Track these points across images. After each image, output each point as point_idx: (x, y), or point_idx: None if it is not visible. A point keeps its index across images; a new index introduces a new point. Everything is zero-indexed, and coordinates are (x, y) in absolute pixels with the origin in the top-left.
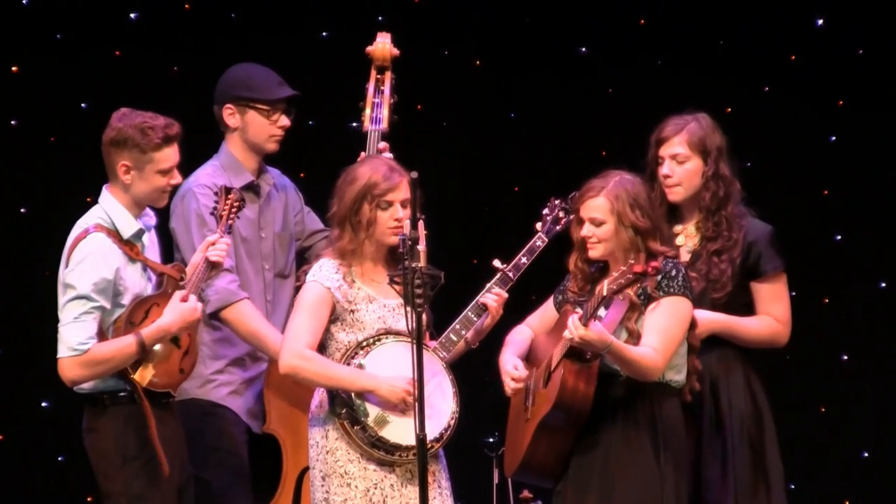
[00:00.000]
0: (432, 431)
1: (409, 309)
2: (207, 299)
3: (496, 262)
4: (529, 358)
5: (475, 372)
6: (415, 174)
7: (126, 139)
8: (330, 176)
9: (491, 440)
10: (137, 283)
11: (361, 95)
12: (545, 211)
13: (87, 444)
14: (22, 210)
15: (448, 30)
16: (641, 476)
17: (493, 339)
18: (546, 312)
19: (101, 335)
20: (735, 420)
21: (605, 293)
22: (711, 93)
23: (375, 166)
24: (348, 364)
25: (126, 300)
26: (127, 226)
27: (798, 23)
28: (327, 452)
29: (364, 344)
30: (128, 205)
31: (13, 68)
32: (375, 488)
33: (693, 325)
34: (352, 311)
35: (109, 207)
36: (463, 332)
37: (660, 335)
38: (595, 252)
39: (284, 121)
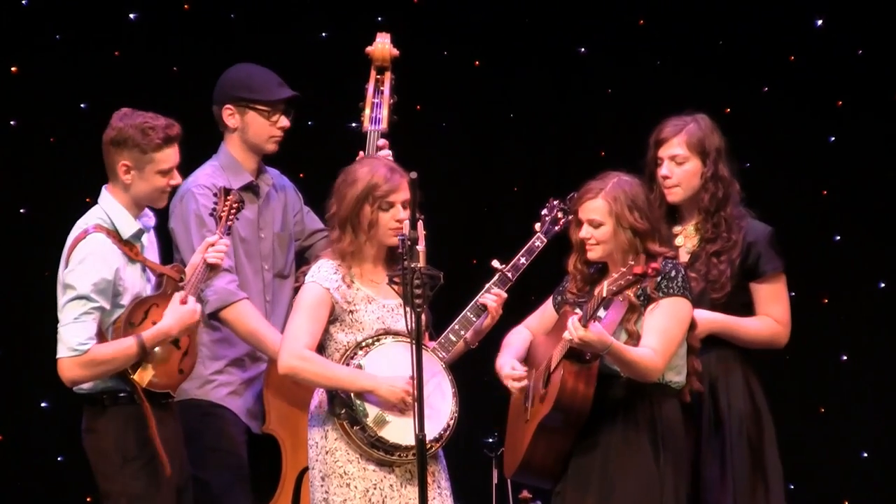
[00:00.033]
0: (431, 432)
1: (408, 309)
2: (206, 299)
3: (495, 263)
4: (528, 359)
5: (475, 372)
6: (414, 174)
7: (127, 139)
8: (329, 176)
9: (490, 440)
10: (137, 283)
11: (361, 96)
12: (544, 211)
13: (86, 445)
14: (21, 210)
15: (448, 30)
16: (641, 477)
17: (492, 340)
18: (545, 313)
19: (101, 335)
20: (734, 420)
21: (604, 294)
22: (711, 93)
23: (375, 167)
24: (347, 364)
25: (125, 300)
26: (126, 226)
27: (797, 23)
28: (326, 453)
29: (363, 344)
30: (127, 205)
31: (13, 69)
32: (375, 489)
33: (693, 325)
34: (351, 311)
35: (109, 207)
36: (462, 333)
37: (659, 336)
38: (594, 253)
39: (284, 122)
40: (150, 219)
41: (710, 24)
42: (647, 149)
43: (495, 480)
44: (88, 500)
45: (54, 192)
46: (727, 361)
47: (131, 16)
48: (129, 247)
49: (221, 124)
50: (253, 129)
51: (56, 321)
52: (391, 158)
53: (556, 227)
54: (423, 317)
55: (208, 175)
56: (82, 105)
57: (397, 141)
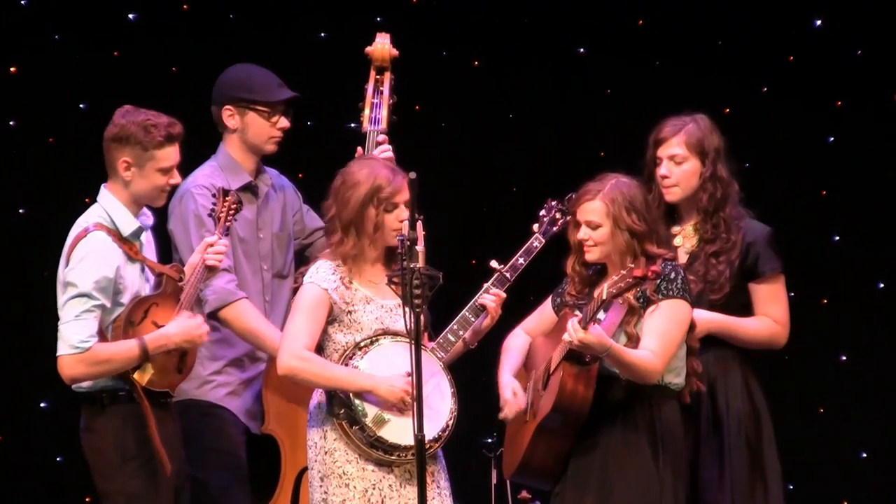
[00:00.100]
0: (431, 432)
1: (407, 309)
2: (206, 299)
3: (493, 263)
4: (527, 361)
5: (474, 372)
6: (413, 175)
7: (129, 136)
8: (329, 177)
9: (489, 441)
10: (136, 282)
11: (360, 96)
12: (542, 212)
13: (84, 444)
14: (20, 210)
15: (447, 30)
16: (640, 478)
17: (491, 340)
18: (542, 315)
19: (101, 334)
20: (732, 420)
21: (604, 297)
22: (710, 93)
23: (375, 169)
24: (346, 365)
25: (125, 299)
26: (126, 223)
27: (796, 23)
28: (326, 453)
29: (362, 344)
30: (127, 203)
31: (11, 69)
32: (374, 489)
33: (692, 327)
34: (349, 312)
35: (109, 205)
36: (461, 333)
37: (658, 338)
38: (592, 255)
39: (284, 122)
40: (148, 218)
41: (710, 25)
42: (645, 148)
43: (494, 481)
44: (88, 500)
45: (53, 192)
46: (726, 361)
47: (130, 16)
48: (128, 245)
49: (221, 125)
50: (253, 129)
51: (56, 321)
52: (392, 156)
53: (554, 228)
54: (422, 317)
55: (207, 175)
56: (81, 105)
57: (396, 141)
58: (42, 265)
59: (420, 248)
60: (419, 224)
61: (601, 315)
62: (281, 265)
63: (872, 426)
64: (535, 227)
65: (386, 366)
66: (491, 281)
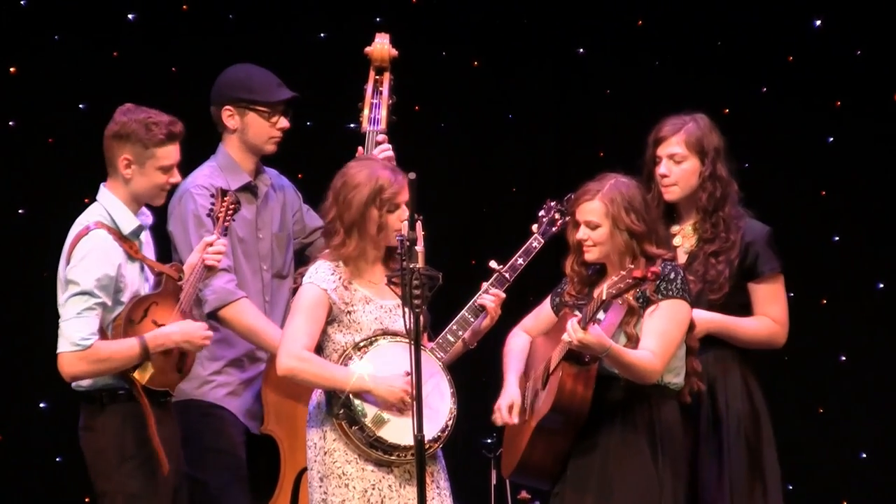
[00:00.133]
0: (430, 432)
1: (406, 310)
2: (205, 299)
3: (493, 263)
4: (527, 363)
5: (474, 373)
6: (413, 175)
7: (130, 133)
8: (328, 177)
9: (489, 441)
10: (136, 281)
11: (360, 96)
12: (541, 213)
13: (83, 443)
14: (20, 211)
15: (446, 31)
16: (640, 479)
17: (491, 340)
18: (541, 314)
19: (101, 332)
20: (732, 420)
21: (604, 297)
22: (709, 94)
23: (376, 170)
24: (345, 365)
25: (126, 298)
26: (127, 222)
27: (796, 24)
28: (325, 453)
29: (361, 345)
30: (127, 201)
31: (11, 69)
32: (373, 489)
33: (691, 327)
34: (348, 312)
35: (109, 204)
36: (460, 333)
37: (658, 338)
38: (591, 255)
39: (284, 123)
40: (147, 217)
41: (709, 25)
42: (645, 148)
43: (494, 481)
44: (87, 500)
45: (53, 192)
46: (725, 362)
47: (130, 16)
48: (128, 244)
49: (220, 125)
50: (253, 130)
51: (54, 322)
52: (392, 155)
53: (553, 229)
54: (421, 317)
55: (206, 176)
56: (81, 105)
57: (396, 141)
58: (42, 265)
59: (420, 248)
60: (419, 224)
61: (600, 315)
62: (280, 265)
63: (872, 426)
64: (534, 227)
65: (385, 366)
66: (490, 281)
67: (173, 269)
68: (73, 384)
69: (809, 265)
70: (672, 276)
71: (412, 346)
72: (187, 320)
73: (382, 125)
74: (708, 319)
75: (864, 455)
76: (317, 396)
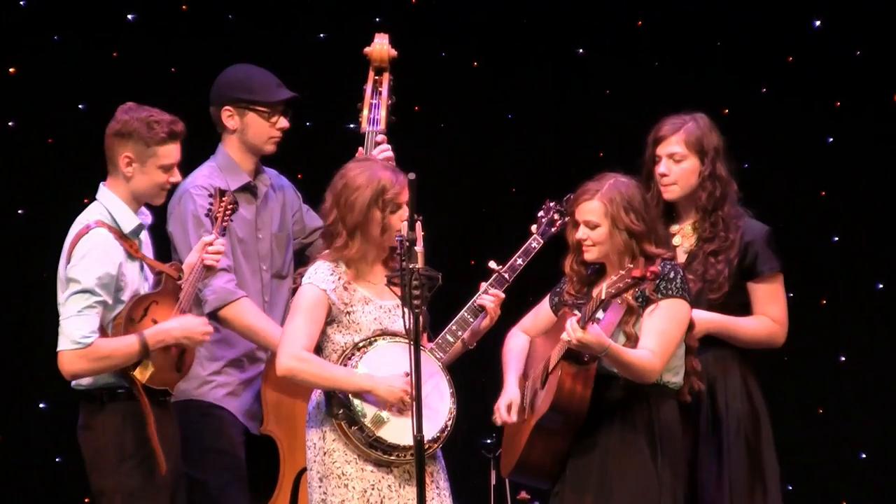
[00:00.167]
0: (430, 432)
1: (406, 310)
2: (205, 299)
3: (492, 264)
4: (526, 362)
5: (473, 373)
6: (412, 175)
7: (131, 131)
8: (328, 177)
9: (489, 441)
10: (136, 280)
11: (359, 96)
12: (540, 213)
13: (81, 442)
14: (20, 211)
15: (446, 31)
16: (639, 478)
17: (490, 341)
18: (539, 314)
19: (102, 331)
20: (731, 420)
21: (603, 296)
22: (709, 94)
23: (377, 171)
24: (345, 365)
25: (126, 296)
26: (127, 221)
27: (795, 24)
28: (325, 453)
29: (360, 345)
30: (127, 200)
31: (11, 70)
32: (373, 489)
33: (691, 326)
34: (348, 312)
35: (109, 202)
36: (459, 333)
37: (658, 338)
38: (590, 255)
39: (284, 123)
40: (147, 217)
41: (709, 25)
42: (644, 147)
43: (493, 481)
44: (87, 501)
45: (52, 192)
46: (725, 362)
47: (129, 16)
48: (129, 243)
49: (220, 125)
50: (252, 130)
51: (55, 321)
52: (391, 156)
53: (553, 229)
54: (420, 318)
55: (206, 176)
56: (80, 106)
57: (396, 142)
58: (41, 266)
59: (419, 248)
60: (418, 225)
61: (600, 314)
62: (280, 265)
63: (871, 427)
64: (534, 228)
65: (385, 366)
66: (489, 282)
67: (173, 268)
68: (73, 383)
69: (809, 265)
70: (671, 275)
71: (412, 347)
72: (187, 316)
73: (382, 125)
74: (707, 319)
75: (864, 455)
76: (316, 397)
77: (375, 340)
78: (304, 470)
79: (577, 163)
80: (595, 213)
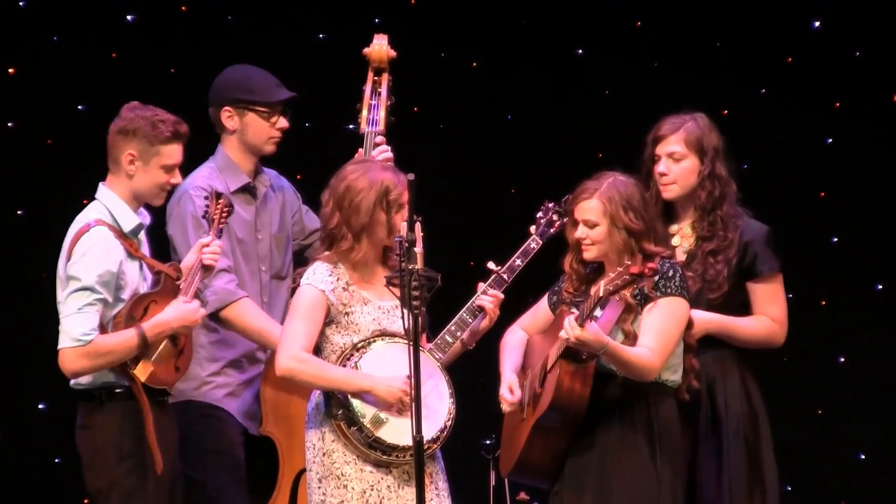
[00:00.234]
0: (429, 432)
1: (405, 311)
2: (206, 300)
3: (490, 265)
4: (524, 360)
5: (472, 374)
6: (411, 176)
7: (136, 129)
8: (327, 178)
9: (488, 442)
10: (135, 279)
11: (358, 97)
12: (539, 214)
13: (79, 441)
14: (19, 212)
15: (445, 32)
16: (639, 477)
17: (490, 341)
18: (538, 312)
19: (102, 329)
20: (731, 421)
21: (601, 294)
22: (708, 95)
23: (377, 172)
24: (344, 366)
25: (126, 295)
26: (127, 220)
27: (795, 25)
28: (324, 454)
29: (359, 346)
30: (128, 199)
31: (10, 70)
32: (372, 490)
33: (689, 324)
34: (346, 313)
35: (109, 202)
36: (458, 334)
37: (657, 336)
38: (589, 254)
39: (283, 123)
40: (145, 217)
41: (708, 26)
42: (644, 147)
43: (493, 482)
44: (86, 501)
45: (52, 193)
46: (724, 362)
47: (129, 17)
48: (128, 242)
49: (219, 126)
50: (252, 130)
51: (54, 322)
52: (391, 156)
53: (551, 230)
54: (420, 318)
55: (205, 177)
56: (80, 107)
57: (395, 142)
58: (41, 266)
59: (418, 249)
60: (417, 226)
61: (598, 312)
62: (279, 266)
63: (871, 427)
64: (532, 228)
65: (384, 367)
66: (488, 282)
67: (172, 268)
68: (72, 382)
69: (808, 266)
70: (670, 273)
71: (411, 347)
72: (177, 301)
73: (381, 126)
74: (707, 319)
75: (863, 456)
76: (315, 397)
77: (374, 341)
78: (303, 470)
79: (577, 163)
80: (594, 212)
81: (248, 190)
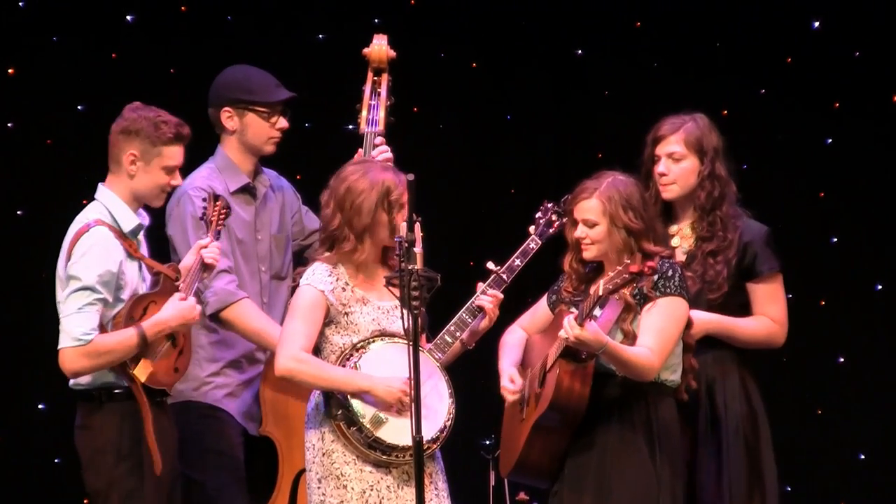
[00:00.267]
0: (429, 432)
1: (405, 311)
2: (206, 301)
3: (490, 265)
4: (524, 359)
5: (472, 374)
6: (411, 176)
7: (139, 130)
8: (326, 178)
9: (487, 442)
10: (135, 279)
11: (358, 97)
12: (538, 214)
13: (79, 441)
14: (18, 212)
15: (445, 32)
16: (638, 477)
17: (489, 341)
18: (537, 312)
19: (101, 329)
20: (730, 421)
21: (600, 293)
22: (708, 95)
23: (378, 173)
24: (343, 366)
25: (125, 295)
26: (127, 220)
27: (795, 25)
28: (323, 454)
29: (359, 346)
30: (127, 199)
31: (10, 70)
32: (372, 490)
33: (689, 324)
34: (346, 313)
35: (109, 202)
36: (458, 334)
37: (656, 335)
38: (589, 253)
39: (283, 123)
40: (144, 218)
41: (708, 26)
42: (643, 147)
43: (492, 482)
44: (85, 502)
45: (51, 193)
46: (724, 363)
47: (128, 17)
48: (128, 243)
49: (219, 126)
50: (252, 130)
51: (54, 322)
52: (391, 156)
53: (551, 230)
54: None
55: (204, 177)
56: (79, 107)
57: (394, 143)
58: (40, 266)
59: (418, 249)
60: (417, 226)
61: (597, 312)
62: (279, 266)
63: (870, 428)
64: (531, 228)
65: (383, 367)
66: (487, 282)
67: (170, 269)
68: (71, 382)
69: (808, 266)
70: (670, 273)
71: (410, 347)
72: (174, 300)
73: (380, 126)
74: (706, 320)
75: (863, 456)
76: (315, 398)
77: (374, 341)
78: (302, 471)
79: (576, 163)
80: (593, 212)
81: (247, 190)
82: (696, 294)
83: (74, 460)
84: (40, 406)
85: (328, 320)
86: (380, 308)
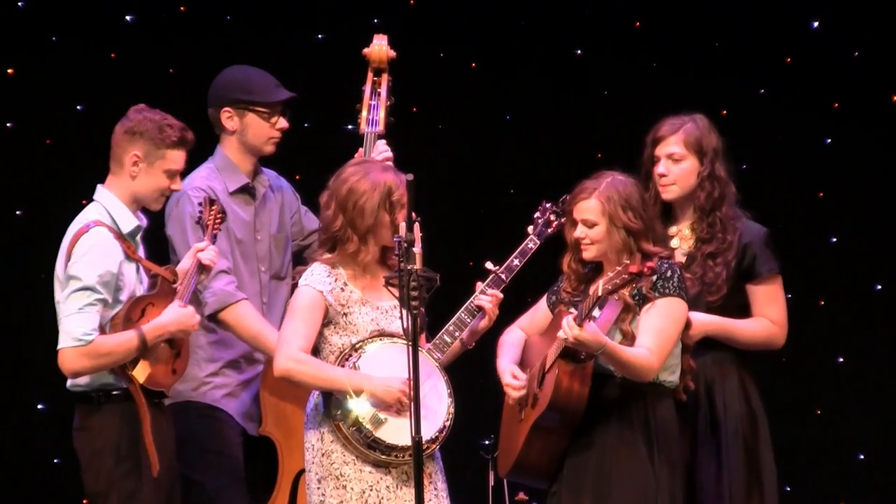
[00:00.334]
0: (428, 432)
1: (404, 311)
2: (205, 301)
3: (488, 265)
4: (523, 359)
5: (471, 374)
6: (410, 176)
7: (143, 131)
8: (326, 178)
9: (486, 442)
10: (133, 281)
11: (358, 97)
12: (536, 214)
13: (77, 443)
14: (17, 212)
15: (444, 32)
16: (637, 477)
17: (489, 341)
18: (537, 312)
19: (100, 329)
20: (730, 422)
21: (600, 293)
22: (707, 95)
23: (378, 173)
24: (342, 366)
25: (123, 297)
26: (126, 221)
27: (794, 25)
28: (323, 455)
29: (358, 346)
30: (127, 201)
31: (9, 71)
32: (371, 490)
33: (688, 325)
34: (345, 314)
35: (108, 203)
36: (457, 334)
37: (655, 336)
38: (588, 253)
39: (283, 123)
40: (143, 220)
41: (707, 26)
42: (643, 148)
43: (492, 482)
44: (85, 502)
45: (51, 194)
46: (723, 364)
47: (127, 17)
48: (127, 244)
49: (218, 126)
50: (252, 131)
51: (53, 322)
52: (391, 156)
53: (549, 230)
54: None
55: (204, 178)
56: (79, 107)
57: (394, 143)
58: (40, 266)
59: (417, 249)
60: (416, 226)
61: (596, 312)
62: (278, 267)
63: (870, 428)
64: (530, 228)
65: (383, 367)
66: (486, 282)
67: (168, 271)
68: (69, 384)
69: (807, 266)
70: (669, 273)
71: (409, 348)
72: (174, 306)
73: (380, 126)
74: (706, 321)
75: (862, 456)
76: (314, 398)
77: (373, 341)
78: (302, 471)
79: (576, 164)
80: (592, 212)
81: (247, 190)
82: (695, 296)
83: (74, 461)
84: (40, 406)
85: (327, 321)
86: (379, 308)
